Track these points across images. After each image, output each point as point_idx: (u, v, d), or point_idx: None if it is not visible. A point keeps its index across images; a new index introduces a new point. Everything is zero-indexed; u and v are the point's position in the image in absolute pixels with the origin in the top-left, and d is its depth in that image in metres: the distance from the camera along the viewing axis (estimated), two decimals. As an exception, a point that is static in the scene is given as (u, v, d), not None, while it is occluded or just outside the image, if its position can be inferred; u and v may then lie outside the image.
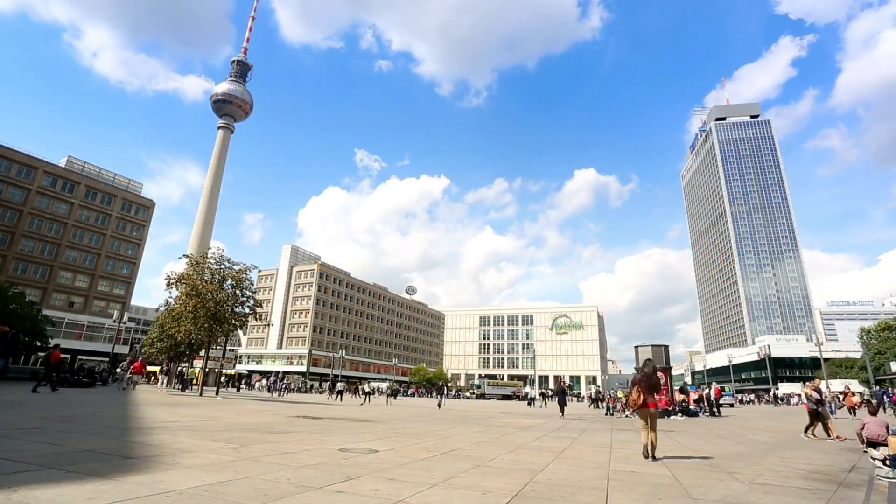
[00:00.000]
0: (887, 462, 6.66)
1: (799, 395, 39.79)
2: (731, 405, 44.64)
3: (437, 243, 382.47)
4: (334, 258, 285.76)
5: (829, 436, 12.58)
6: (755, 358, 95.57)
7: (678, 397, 24.73)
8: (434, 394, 72.18)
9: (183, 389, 33.08)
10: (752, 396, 70.17)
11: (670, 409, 22.86)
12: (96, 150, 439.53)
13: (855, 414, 25.02)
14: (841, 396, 31.41)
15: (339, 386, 38.99)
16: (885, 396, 32.16)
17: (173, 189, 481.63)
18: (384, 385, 55.93)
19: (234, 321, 27.93)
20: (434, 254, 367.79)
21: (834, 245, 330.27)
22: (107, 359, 48.66)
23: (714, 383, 35.57)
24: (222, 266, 28.27)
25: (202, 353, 33.30)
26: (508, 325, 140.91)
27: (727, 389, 49.75)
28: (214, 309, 26.12)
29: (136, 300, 66.10)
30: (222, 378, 43.28)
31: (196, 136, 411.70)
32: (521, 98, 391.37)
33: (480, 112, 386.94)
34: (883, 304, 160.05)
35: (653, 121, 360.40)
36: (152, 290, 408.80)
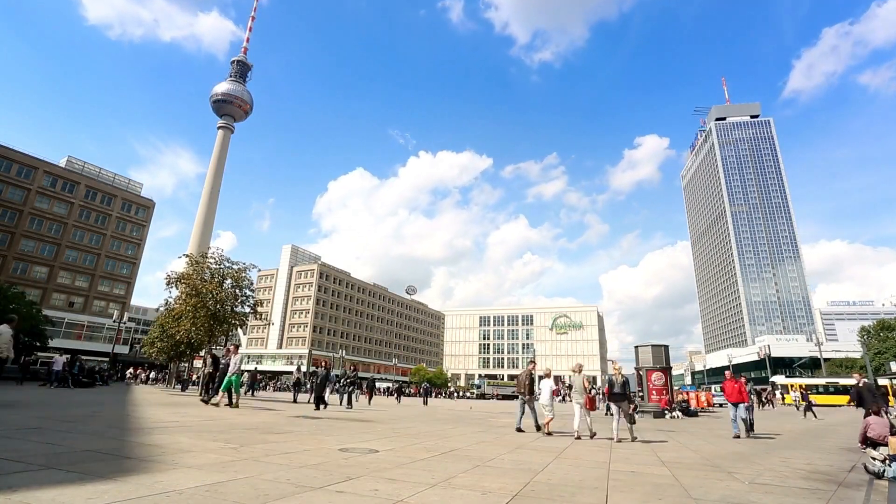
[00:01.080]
0: (887, 462, 6.66)
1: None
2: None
3: (465, 231, 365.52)
4: (355, 246, 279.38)
5: None
6: (755, 358, 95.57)
7: (678, 397, 24.74)
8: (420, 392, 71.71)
9: (183, 389, 33.08)
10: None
11: (670, 408, 22.87)
12: (82, 134, 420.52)
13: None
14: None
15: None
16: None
17: (166, 179, 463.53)
18: (384, 385, 55.82)
19: (234, 321, 27.93)
20: (460, 244, 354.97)
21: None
22: (107, 359, 48.69)
23: (704, 389, 36.08)
24: (222, 265, 28.27)
25: (202, 352, 33.29)
26: (508, 325, 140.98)
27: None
28: (214, 308, 26.13)
29: (134, 299, 66.01)
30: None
31: (189, 117, 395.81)
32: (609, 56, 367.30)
33: (550, 72, 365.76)
34: (883, 304, 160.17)
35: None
36: (148, 287, 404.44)
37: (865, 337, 66.10)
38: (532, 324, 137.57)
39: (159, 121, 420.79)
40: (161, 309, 33.61)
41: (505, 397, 71.92)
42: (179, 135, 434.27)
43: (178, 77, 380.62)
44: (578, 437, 10.68)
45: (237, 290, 27.84)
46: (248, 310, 29.18)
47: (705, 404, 32.77)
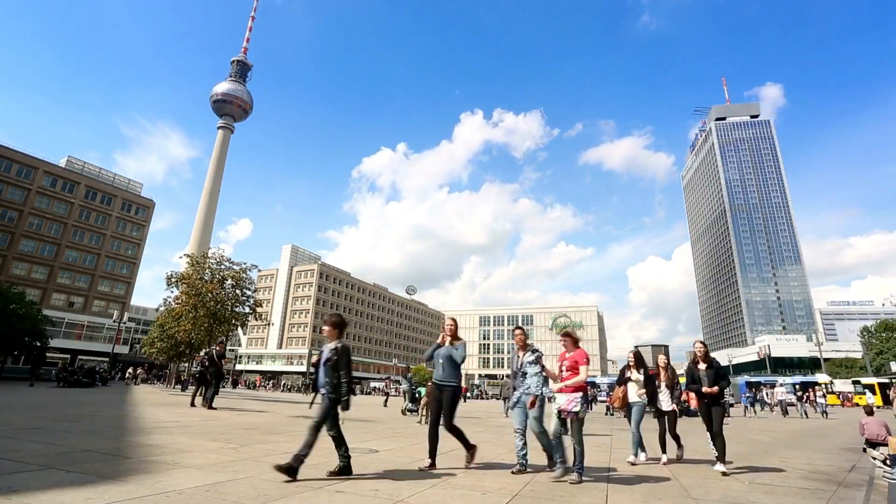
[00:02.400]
0: (887, 462, 6.65)
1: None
2: (732, 405, 44.60)
3: (506, 212, 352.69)
4: (390, 233, 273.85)
5: None
6: (755, 358, 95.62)
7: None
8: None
9: (183, 389, 33.07)
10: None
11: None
12: (58, 112, 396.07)
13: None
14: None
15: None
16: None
17: (155, 165, 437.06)
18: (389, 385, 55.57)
19: (234, 321, 27.96)
20: (500, 227, 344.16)
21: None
22: (107, 359, 48.69)
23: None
24: (222, 266, 28.29)
25: (202, 353, 33.31)
26: (508, 325, 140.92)
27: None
28: (214, 308, 26.15)
29: (133, 298, 66.00)
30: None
31: (177, 94, 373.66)
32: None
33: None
34: (883, 304, 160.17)
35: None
36: (143, 284, 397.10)
37: (867, 337, 66.08)
38: (532, 324, 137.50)
39: (145, 98, 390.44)
40: (161, 309, 33.64)
41: (507, 398, 71.51)
42: (168, 113, 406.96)
43: (164, 46, 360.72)
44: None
45: (237, 291, 27.88)
46: (247, 310, 29.21)
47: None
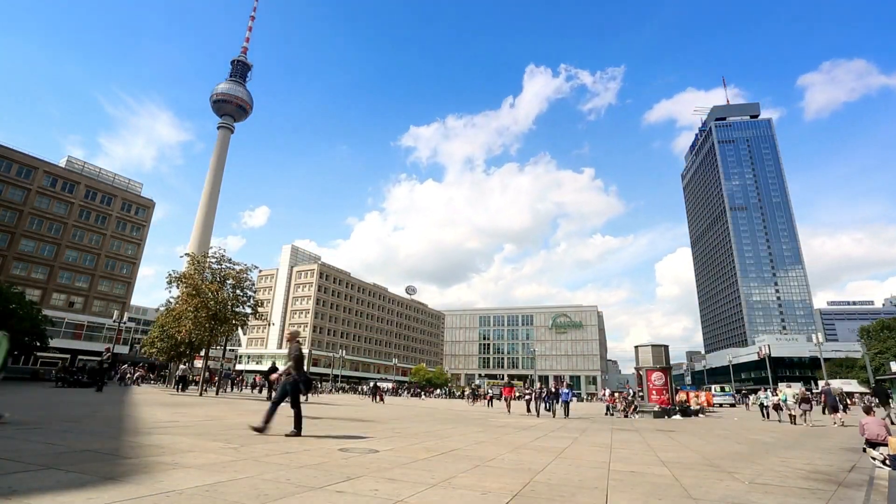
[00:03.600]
0: (887, 462, 6.65)
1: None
2: (733, 405, 44.62)
3: (544, 195, 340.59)
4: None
5: None
6: (755, 358, 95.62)
7: (679, 397, 24.75)
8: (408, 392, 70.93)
9: (183, 389, 33.08)
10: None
11: (669, 408, 22.87)
12: (36, 88, 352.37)
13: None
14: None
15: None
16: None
17: (143, 149, 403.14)
18: (386, 385, 55.72)
19: (234, 321, 27.95)
20: (542, 208, 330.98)
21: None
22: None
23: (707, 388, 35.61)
24: (223, 266, 28.30)
25: (202, 352, 33.33)
26: (508, 325, 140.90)
27: (727, 389, 49.70)
28: (215, 308, 26.13)
29: (133, 298, 65.99)
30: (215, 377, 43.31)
31: (165, 67, 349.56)
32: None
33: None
34: (883, 304, 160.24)
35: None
36: (137, 281, 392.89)
37: (866, 337, 66.14)
38: (532, 324, 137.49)
39: (128, 72, 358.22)
40: (161, 309, 33.63)
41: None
42: (155, 90, 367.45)
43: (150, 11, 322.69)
44: None
45: (238, 291, 27.87)
46: (248, 310, 29.21)
47: (705, 404, 32.79)
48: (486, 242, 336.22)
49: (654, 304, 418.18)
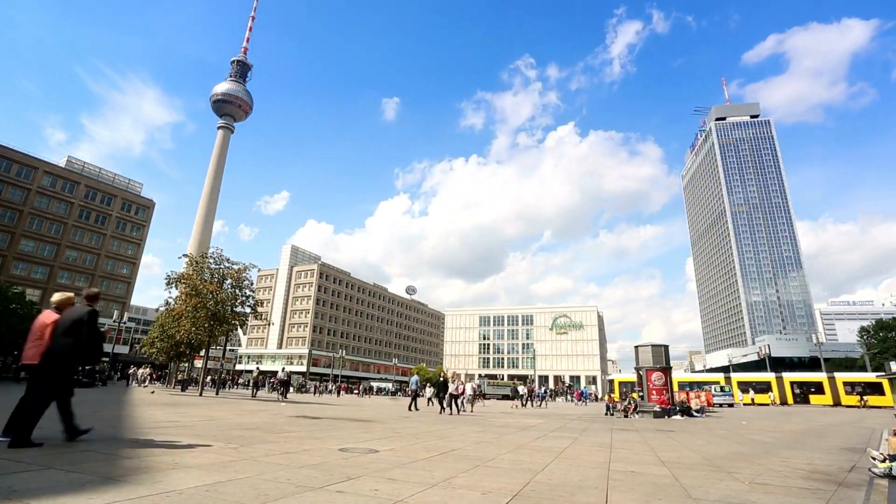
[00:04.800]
0: (887, 461, 6.65)
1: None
2: (731, 405, 44.65)
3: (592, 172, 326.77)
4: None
5: None
6: (755, 358, 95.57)
7: (679, 397, 24.73)
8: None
9: (183, 389, 33.11)
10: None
11: (669, 408, 22.87)
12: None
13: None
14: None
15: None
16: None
17: (129, 131, 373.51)
18: (385, 385, 55.64)
19: (234, 321, 27.95)
20: (588, 184, 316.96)
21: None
22: (107, 359, 48.68)
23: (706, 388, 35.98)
24: (222, 266, 28.29)
25: (202, 352, 33.35)
26: (508, 325, 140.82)
27: (726, 389, 49.73)
28: (215, 308, 26.13)
29: (133, 298, 66.02)
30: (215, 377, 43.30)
31: (151, 36, 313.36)
32: None
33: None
34: (883, 304, 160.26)
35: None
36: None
37: (865, 337, 66.20)
38: (532, 324, 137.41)
39: (111, 42, 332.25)
40: (161, 309, 33.63)
41: (504, 397, 71.86)
42: (140, 64, 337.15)
43: None
44: None
45: (237, 291, 27.87)
46: (248, 310, 29.21)
47: (705, 404, 32.78)
48: (523, 229, 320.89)
49: (683, 296, 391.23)
